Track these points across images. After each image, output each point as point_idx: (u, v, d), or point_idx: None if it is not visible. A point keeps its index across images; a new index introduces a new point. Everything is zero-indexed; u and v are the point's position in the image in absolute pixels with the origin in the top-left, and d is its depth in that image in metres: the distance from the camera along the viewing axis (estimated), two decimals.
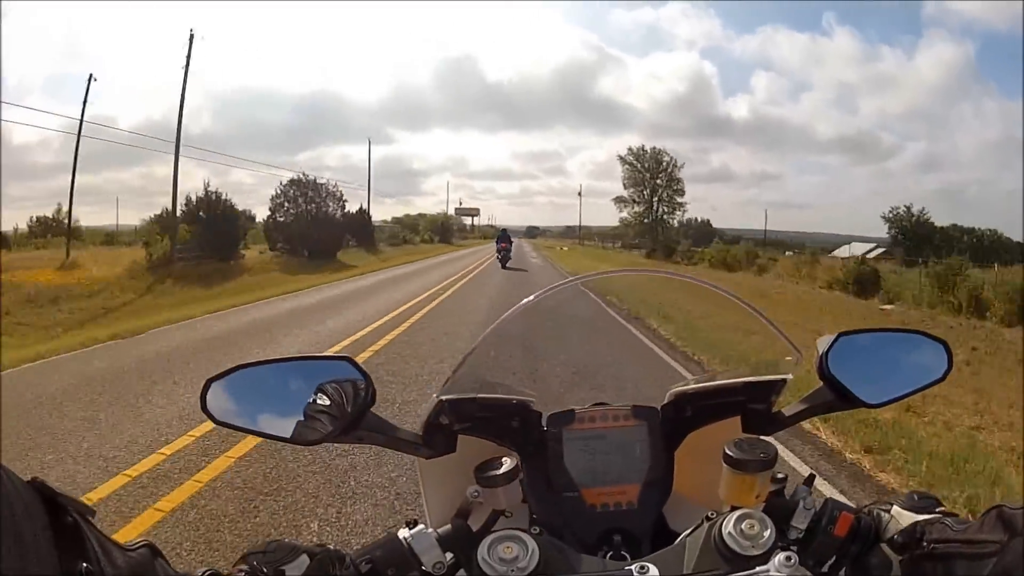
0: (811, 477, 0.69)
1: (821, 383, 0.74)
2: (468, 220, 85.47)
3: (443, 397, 0.75)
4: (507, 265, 21.97)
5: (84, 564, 0.40)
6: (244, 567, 0.56)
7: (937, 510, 0.62)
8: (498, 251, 23.04)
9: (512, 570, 0.58)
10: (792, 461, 3.64)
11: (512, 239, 25.18)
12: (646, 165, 55.84)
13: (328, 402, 0.66)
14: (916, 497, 0.64)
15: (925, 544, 0.58)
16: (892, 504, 0.64)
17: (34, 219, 36.74)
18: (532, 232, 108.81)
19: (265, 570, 0.56)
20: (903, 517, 0.62)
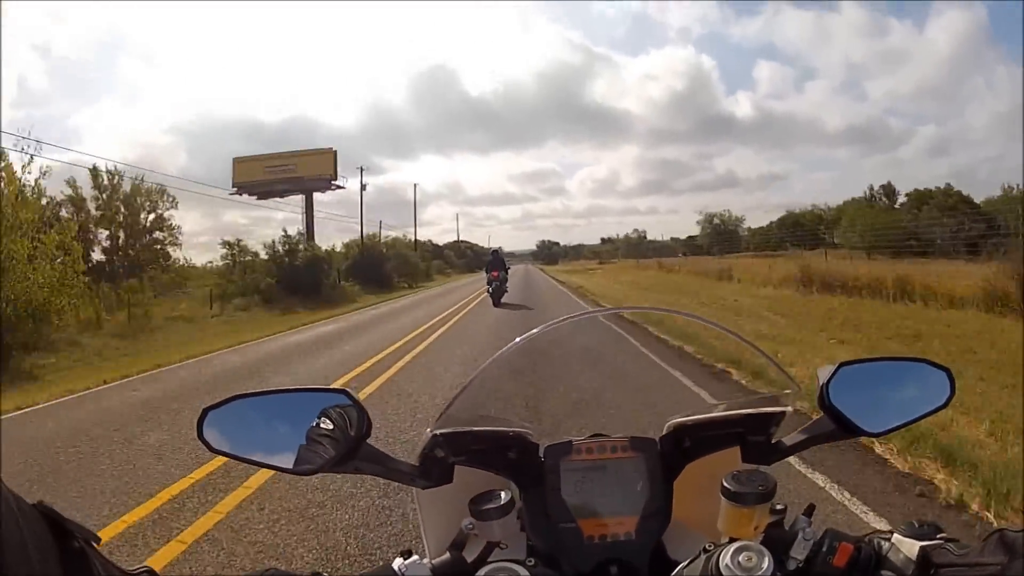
0: (811, 508, 0.68)
1: (822, 413, 0.74)
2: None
3: (436, 431, 0.75)
4: (502, 301, 15.81)
5: None
6: None
7: (938, 536, 0.61)
8: (488, 283, 16.04)
9: None
10: None
11: (508, 265, 17.28)
12: None
13: (324, 433, 0.67)
14: (917, 524, 0.63)
15: (928, 570, 0.58)
16: (893, 532, 0.64)
17: None
18: (547, 250, 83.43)
19: None
20: (904, 544, 0.62)
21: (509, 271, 17.08)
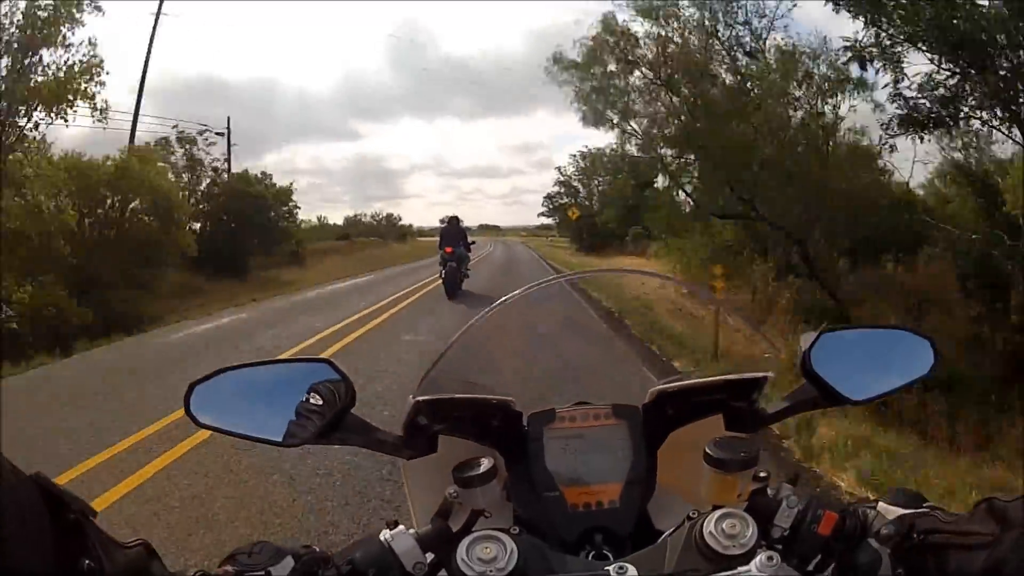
0: (796, 476, 0.69)
1: (804, 380, 0.74)
2: None
3: (419, 398, 0.75)
4: (463, 290, 11.23)
5: (86, 561, 0.41)
6: (230, 567, 0.56)
7: (924, 506, 0.62)
8: (441, 264, 11.25)
9: (491, 570, 0.58)
10: None
11: (471, 240, 12.48)
12: None
13: (308, 405, 0.67)
14: (901, 494, 0.64)
15: (916, 536, 0.57)
16: (878, 501, 0.64)
17: None
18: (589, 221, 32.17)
19: (251, 571, 0.56)
20: (890, 512, 0.62)
21: (469, 250, 12.03)
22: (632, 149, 14.46)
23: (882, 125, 10.13)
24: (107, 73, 12.25)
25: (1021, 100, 8.46)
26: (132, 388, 5.76)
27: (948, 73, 8.76)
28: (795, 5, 11.02)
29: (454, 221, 12.44)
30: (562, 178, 40.62)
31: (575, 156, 39.70)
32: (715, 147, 10.87)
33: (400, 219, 53.23)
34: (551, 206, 42.28)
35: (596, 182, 37.81)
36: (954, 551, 0.54)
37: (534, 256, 29.86)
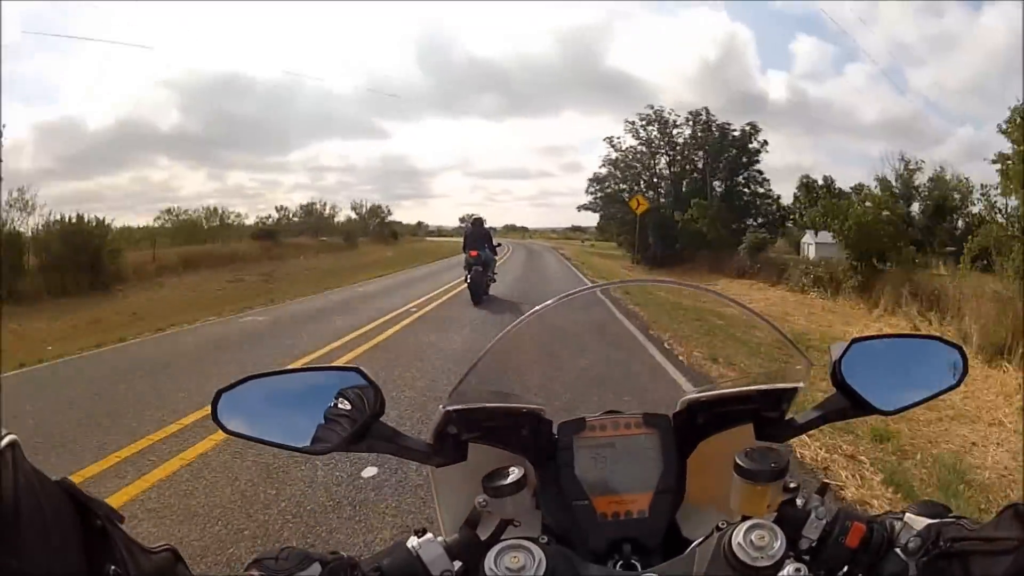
0: (824, 487, 0.69)
1: (835, 390, 0.74)
2: None
3: (449, 407, 0.75)
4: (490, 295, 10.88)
5: (112, 567, 0.41)
6: (256, 572, 0.56)
7: (949, 515, 0.61)
8: (466, 267, 10.71)
9: None
10: None
11: (497, 242, 11.87)
12: None
13: (337, 412, 0.67)
14: (928, 505, 0.64)
15: (941, 544, 0.57)
16: (904, 512, 0.64)
17: None
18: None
19: None
20: (916, 523, 0.62)
21: (495, 253, 11.40)
22: None
23: None
24: None
25: None
26: None
27: None
28: None
29: (478, 222, 11.55)
30: (615, 154, 27.59)
31: (633, 123, 26.72)
32: None
33: (389, 213, 42.91)
34: (598, 193, 28.84)
35: (665, 160, 25.95)
36: (978, 558, 0.54)
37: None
